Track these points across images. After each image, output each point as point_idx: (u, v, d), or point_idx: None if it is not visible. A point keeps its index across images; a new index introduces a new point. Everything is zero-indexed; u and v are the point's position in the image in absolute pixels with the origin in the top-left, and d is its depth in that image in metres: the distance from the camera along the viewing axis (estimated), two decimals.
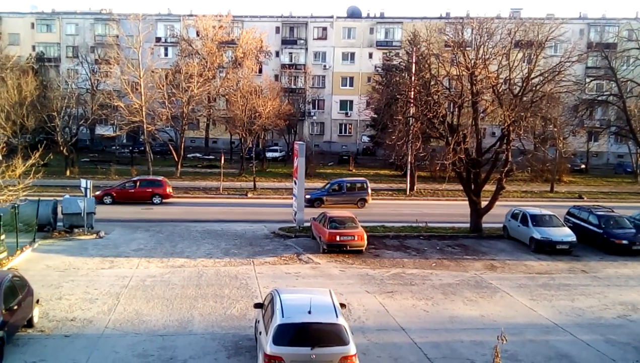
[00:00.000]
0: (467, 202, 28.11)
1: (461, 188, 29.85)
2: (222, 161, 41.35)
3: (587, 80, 54.06)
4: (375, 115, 54.01)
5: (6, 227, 19.96)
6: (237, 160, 54.73)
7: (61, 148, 44.62)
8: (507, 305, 17.11)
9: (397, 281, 19.29)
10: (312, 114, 69.63)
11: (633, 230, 24.73)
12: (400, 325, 15.20)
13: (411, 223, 28.55)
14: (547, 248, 23.66)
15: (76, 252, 21.96)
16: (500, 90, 25.89)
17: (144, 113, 41.66)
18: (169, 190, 34.91)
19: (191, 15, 68.12)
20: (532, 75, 25.63)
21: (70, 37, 71.48)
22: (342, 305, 12.76)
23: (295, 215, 27.04)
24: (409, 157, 37.89)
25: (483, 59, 25.52)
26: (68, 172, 44.80)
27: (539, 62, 26.26)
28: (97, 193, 32.18)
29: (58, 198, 26.71)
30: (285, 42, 70.97)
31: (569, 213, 27.84)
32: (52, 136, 44.78)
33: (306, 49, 70.97)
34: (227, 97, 54.94)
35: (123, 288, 17.57)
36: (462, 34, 27.37)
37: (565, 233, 24.19)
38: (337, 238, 22.60)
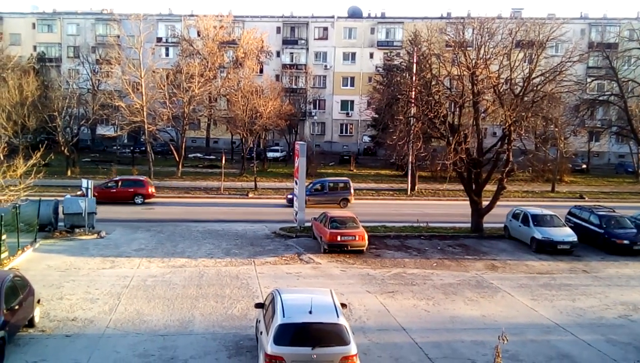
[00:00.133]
0: (468, 202, 28.11)
1: (462, 188, 29.85)
2: (223, 161, 41.37)
3: (588, 80, 54.01)
4: (376, 115, 54.00)
5: (7, 227, 19.95)
6: (238, 160, 54.76)
7: (62, 148, 44.65)
8: (508, 305, 17.10)
9: (398, 281, 19.29)
10: (313, 114, 69.64)
11: (634, 230, 24.71)
12: (401, 325, 15.19)
13: (412, 223, 28.55)
14: (548, 248, 23.65)
15: (77, 252, 21.98)
16: (501, 90, 25.88)
17: (145, 113, 41.69)
18: (151, 190, 34.83)
19: (192, 16, 68.16)
20: (533, 75, 25.62)
21: (72, 37, 71.50)
22: (343, 305, 12.76)
23: (296, 215, 27.06)
24: (410, 157, 37.85)
25: (484, 58, 25.51)
26: (69, 172, 44.84)
27: (540, 62, 26.26)
28: (79, 193, 31.97)
29: (59, 198, 26.73)
30: (286, 42, 70.98)
31: (570, 213, 27.82)
32: (53, 136, 44.81)
33: (307, 49, 70.98)
34: (228, 97, 54.94)
35: (124, 288, 17.59)
36: (463, 34, 27.37)
37: (566, 233, 24.18)
38: (338, 238, 22.60)
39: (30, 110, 42.40)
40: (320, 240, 23.68)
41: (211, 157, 60.20)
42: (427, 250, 24.02)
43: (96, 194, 32.02)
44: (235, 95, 50.19)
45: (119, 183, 34.48)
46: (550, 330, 15.18)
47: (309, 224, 26.19)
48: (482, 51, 25.54)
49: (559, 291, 18.65)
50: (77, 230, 24.86)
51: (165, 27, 70.47)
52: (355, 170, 54.12)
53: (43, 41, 72.08)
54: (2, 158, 21.48)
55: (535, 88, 25.86)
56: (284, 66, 69.99)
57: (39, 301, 14.79)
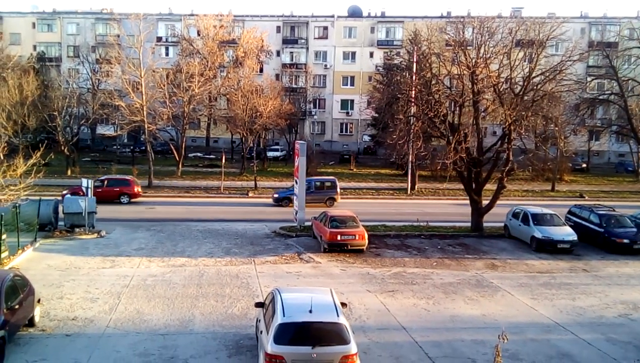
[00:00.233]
0: (468, 201, 28.12)
1: (462, 187, 29.85)
2: (223, 160, 41.37)
3: (588, 79, 54.04)
4: (376, 115, 54.00)
5: (7, 227, 19.96)
6: (238, 159, 54.77)
7: (62, 147, 44.64)
8: (508, 304, 17.10)
9: (398, 280, 19.29)
10: (313, 113, 69.64)
11: (634, 229, 24.71)
12: (401, 324, 15.20)
13: (412, 222, 28.54)
14: (548, 247, 23.65)
15: (77, 251, 21.98)
16: (501, 90, 25.87)
17: (145, 112, 41.63)
18: (137, 189, 34.70)
19: (192, 15, 68.12)
20: (533, 74, 25.61)
21: (71, 36, 71.49)
22: (343, 304, 12.77)
23: (296, 214, 27.06)
24: (410, 156, 37.87)
25: (484, 58, 25.50)
26: (69, 172, 44.85)
27: (540, 61, 26.25)
28: (64, 192, 31.87)
29: (59, 198, 26.74)
30: (286, 41, 70.97)
31: (570, 212, 27.83)
32: (53, 136, 44.81)
33: (307, 49, 70.97)
34: (228, 96, 54.95)
35: (124, 287, 17.59)
36: (463, 33, 27.36)
37: (566, 233, 24.18)
38: (338, 237, 22.61)
39: (30, 109, 42.40)
40: (320, 240, 23.68)
41: (211, 156, 60.22)
42: (427, 249, 24.03)
43: (80, 194, 31.92)
44: (235, 94, 50.20)
45: (105, 183, 34.18)
46: (550, 329, 15.18)
47: (309, 223, 26.19)
48: (482, 50, 25.54)
49: (559, 290, 18.65)
50: (77, 229, 24.86)
51: (165, 26, 70.48)
52: (355, 170, 54.13)
53: (43, 41, 72.08)
54: (2, 157, 21.51)
55: (535, 87, 25.86)
56: (284, 65, 69.99)
57: (39, 300, 14.79)
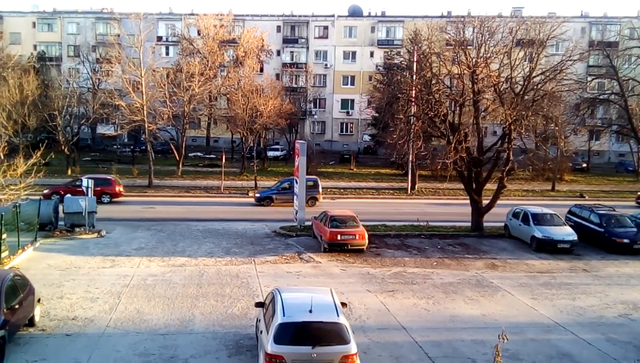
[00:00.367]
0: (468, 201, 28.11)
1: (462, 187, 29.85)
2: (224, 160, 41.36)
3: (589, 78, 54.06)
4: (377, 114, 53.98)
5: (7, 226, 19.96)
6: (238, 159, 54.78)
7: (62, 147, 44.64)
8: (508, 304, 17.10)
9: (398, 280, 19.29)
10: (313, 112, 69.66)
11: (634, 229, 24.70)
12: (401, 324, 15.20)
13: (412, 222, 28.54)
14: (549, 247, 23.64)
15: (77, 251, 21.98)
16: (501, 89, 25.86)
17: (145, 112, 41.63)
18: (118, 189, 34.43)
19: (192, 14, 68.09)
20: (534, 74, 25.60)
21: (72, 36, 71.50)
22: (343, 304, 12.77)
23: (296, 214, 27.06)
24: (410, 156, 37.88)
25: (484, 57, 25.49)
26: (69, 171, 44.83)
27: (540, 61, 26.25)
28: (45, 191, 31.65)
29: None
30: (286, 41, 70.99)
31: (570, 212, 27.82)
32: (53, 135, 44.81)
33: (307, 48, 70.97)
34: (228, 96, 54.93)
35: (124, 287, 17.59)
36: (464, 32, 27.35)
37: (566, 232, 24.17)
38: (338, 237, 22.60)
39: (31, 109, 42.40)
40: (320, 239, 23.68)
41: (211, 156, 60.22)
42: (427, 249, 24.02)
43: (62, 192, 31.69)
44: (236, 94, 50.21)
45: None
46: (551, 329, 15.17)
47: (309, 223, 26.20)
48: (482, 50, 25.53)
49: (559, 290, 18.65)
50: (77, 229, 24.85)
51: (166, 26, 70.49)
52: (355, 169, 54.13)
53: (43, 40, 72.09)
54: (2, 157, 21.51)
55: (535, 87, 25.84)
56: (284, 65, 70.00)
57: (39, 300, 14.79)
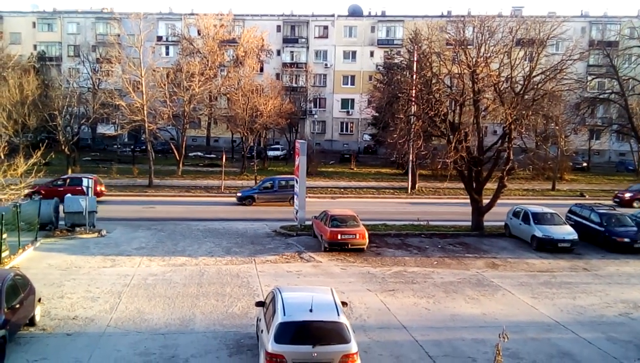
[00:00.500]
0: (468, 201, 28.10)
1: (463, 186, 29.84)
2: (224, 160, 41.36)
3: (589, 78, 54.14)
4: (377, 114, 53.98)
5: (8, 226, 19.97)
6: (238, 158, 54.80)
7: (63, 147, 44.62)
8: (509, 303, 17.10)
9: (399, 279, 19.29)
10: (314, 112, 69.66)
11: (635, 228, 24.68)
12: (401, 323, 15.20)
13: (412, 221, 28.54)
14: (549, 246, 23.64)
15: (78, 250, 21.98)
16: (501, 89, 25.85)
17: (145, 112, 41.63)
18: (100, 188, 33.93)
19: (192, 14, 68.10)
20: (534, 74, 25.59)
21: (72, 36, 71.51)
22: (344, 304, 12.76)
23: (296, 213, 27.07)
24: (411, 156, 37.88)
25: (484, 57, 25.48)
26: (70, 171, 44.74)
27: (540, 60, 26.23)
28: (27, 191, 31.36)
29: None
30: (286, 40, 71.00)
31: (570, 211, 27.81)
32: (53, 135, 44.79)
33: (307, 48, 70.98)
34: (228, 95, 54.97)
35: (125, 286, 17.60)
36: (464, 32, 27.35)
37: (566, 232, 24.17)
38: (339, 236, 22.60)
39: (31, 109, 42.40)
40: (320, 239, 23.68)
41: (212, 155, 60.23)
42: (427, 248, 24.02)
43: (43, 192, 31.52)
44: (236, 93, 50.25)
45: (67, 182, 33.63)
46: (551, 328, 15.18)
47: (309, 223, 26.20)
48: (482, 49, 25.52)
49: (560, 289, 18.65)
50: (77, 228, 24.85)
51: (166, 25, 70.50)
52: (355, 169, 54.12)
53: (43, 40, 72.11)
54: (2, 157, 21.51)
55: (535, 86, 25.84)
56: (284, 65, 70.03)
57: (39, 300, 14.79)
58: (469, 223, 27.66)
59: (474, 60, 25.34)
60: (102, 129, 60.31)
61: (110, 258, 20.93)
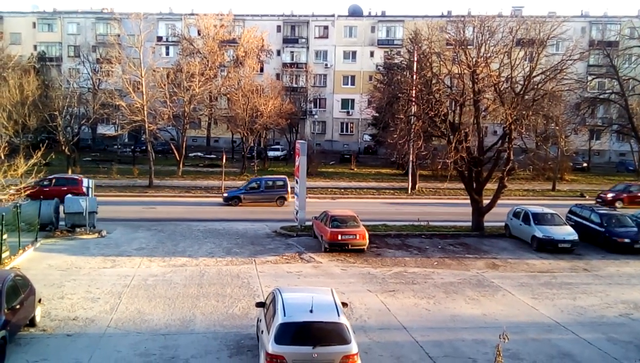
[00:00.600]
0: (468, 201, 28.09)
1: (463, 187, 29.83)
2: (224, 160, 41.35)
3: (589, 78, 54.08)
4: (377, 114, 54.02)
5: (8, 227, 19.96)
6: (238, 159, 54.78)
7: (63, 147, 44.64)
8: (509, 304, 17.10)
9: (399, 280, 19.29)
10: (314, 112, 69.66)
11: (635, 229, 24.67)
12: (402, 323, 15.20)
13: (413, 222, 28.53)
14: (549, 247, 23.64)
15: (78, 251, 21.99)
16: (501, 89, 25.85)
17: (145, 112, 41.63)
18: (84, 188, 34.14)
19: (192, 14, 68.11)
20: (534, 74, 25.59)
21: (72, 36, 71.54)
22: (344, 304, 12.76)
23: (296, 214, 27.06)
24: (411, 156, 37.87)
25: (484, 57, 25.48)
26: (70, 172, 44.74)
27: (540, 61, 26.23)
28: (11, 191, 31.08)
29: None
30: (286, 40, 71.00)
31: (570, 211, 27.80)
32: (53, 135, 44.81)
33: (307, 48, 70.98)
34: (228, 96, 54.99)
35: (125, 287, 17.60)
36: (464, 32, 27.34)
37: (567, 232, 24.16)
38: (339, 237, 22.60)
39: (31, 109, 42.42)
40: (321, 239, 23.68)
41: (212, 156, 60.24)
42: (427, 249, 24.02)
43: (28, 192, 31.28)
44: (236, 94, 50.27)
45: (52, 182, 33.31)
46: (551, 329, 15.17)
47: (309, 223, 26.20)
48: (482, 49, 25.52)
49: (560, 290, 18.65)
50: (78, 229, 24.86)
51: (166, 26, 70.52)
52: (355, 169, 54.12)
53: (43, 40, 72.13)
54: (3, 157, 21.50)
55: (535, 86, 25.83)
56: (285, 65, 70.02)
57: (40, 300, 14.78)
58: (469, 224, 27.65)
59: (474, 60, 25.34)
60: (102, 130, 60.32)
61: (110, 259, 20.93)
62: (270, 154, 60.36)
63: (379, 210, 34.01)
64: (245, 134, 48.15)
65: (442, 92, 26.92)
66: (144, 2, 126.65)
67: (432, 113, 25.10)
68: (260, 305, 13.21)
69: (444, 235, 26.38)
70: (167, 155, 55.21)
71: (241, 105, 47.32)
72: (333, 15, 71.27)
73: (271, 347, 10.72)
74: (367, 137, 68.31)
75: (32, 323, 14.06)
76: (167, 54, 67.46)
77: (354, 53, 70.73)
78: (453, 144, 24.39)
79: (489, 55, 25.64)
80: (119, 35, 56.84)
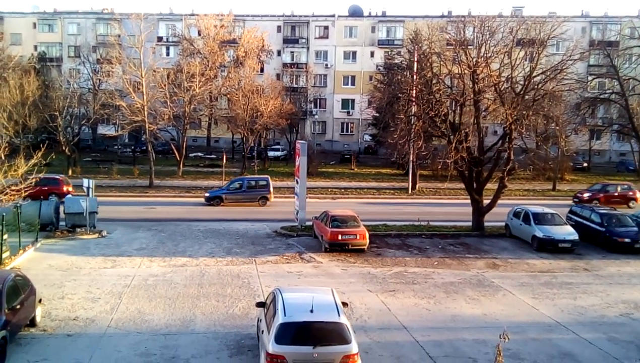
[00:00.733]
0: (469, 201, 28.09)
1: (463, 187, 29.84)
2: (224, 160, 41.40)
3: (589, 78, 54.10)
4: (377, 114, 53.98)
5: (9, 227, 19.98)
6: (239, 159, 54.79)
7: (63, 148, 44.68)
8: (510, 304, 17.09)
9: (399, 280, 19.29)
10: (314, 112, 69.65)
11: (635, 229, 24.67)
12: (402, 323, 15.19)
13: (413, 222, 28.53)
14: (550, 247, 23.63)
15: (78, 251, 22.00)
16: (502, 89, 25.85)
17: (145, 112, 41.65)
18: (67, 188, 33.56)
19: (193, 15, 68.15)
20: (534, 74, 25.59)
21: (72, 36, 71.58)
22: (344, 304, 12.76)
23: (297, 214, 27.07)
24: (411, 156, 37.85)
25: (485, 57, 25.47)
26: (70, 172, 44.81)
27: (541, 61, 26.24)
28: None
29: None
30: (286, 41, 71.00)
31: (571, 211, 27.81)
32: (54, 136, 44.85)
33: (308, 48, 70.98)
34: (228, 96, 55.00)
35: (125, 287, 17.60)
36: (464, 32, 27.33)
37: (567, 232, 24.16)
38: (339, 237, 22.60)
39: (31, 109, 42.45)
40: (321, 239, 23.68)
41: (212, 156, 60.24)
42: (428, 248, 24.02)
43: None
44: (236, 94, 50.29)
45: (34, 182, 33.43)
46: (552, 329, 15.17)
47: (310, 223, 26.20)
48: (482, 50, 25.51)
49: (560, 289, 18.64)
50: (78, 229, 24.88)
51: (166, 26, 70.53)
52: (356, 169, 54.13)
53: (44, 41, 72.16)
54: (3, 158, 21.49)
55: (536, 86, 25.83)
56: (285, 65, 70.03)
57: (40, 300, 14.78)
58: (470, 224, 27.65)
59: (474, 60, 25.34)
60: (102, 130, 60.34)
61: (110, 259, 20.93)
62: (271, 154, 60.38)
63: (379, 210, 34.01)
64: (246, 134, 48.16)
65: (443, 92, 26.91)
66: (144, 3, 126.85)
67: (433, 113, 25.11)
68: (260, 305, 13.21)
69: (444, 235, 26.39)
70: (168, 156, 55.23)
71: (241, 106, 47.33)
72: (333, 16, 71.28)
73: (271, 346, 10.72)
74: (367, 137, 68.31)
75: (32, 323, 14.06)
76: (168, 54, 67.49)
77: (354, 53, 70.73)
78: (453, 144, 24.38)
79: (489, 55, 25.63)
80: (119, 36, 56.83)
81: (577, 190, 43.37)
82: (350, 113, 70.98)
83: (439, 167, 34.67)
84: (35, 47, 70.43)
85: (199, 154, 62.02)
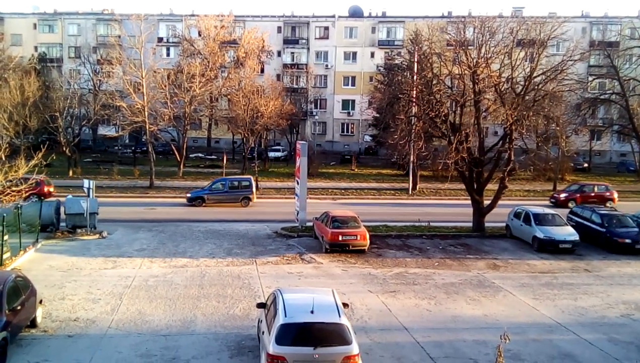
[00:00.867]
0: (469, 202, 28.09)
1: (464, 187, 29.83)
2: (225, 161, 41.40)
3: (590, 78, 54.05)
4: (378, 115, 53.90)
5: (9, 228, 19.96)
6: (239, 160, 54.79)
7: (64, 148, 44.67)
8: (510, 305, 17.09)
9: (400, 280, 19.29)
10: (314, 113, 69.65)
11: (636, 229, 24.65)
12: (403, 324, 15.19)
13: (414, 222, 28.54)
14: (550, 247, 23.63)
15: (79, 252, 22.00)
16: (502, 89, 25.85)
17: (146, 113, 41.65)
18: (48, 189, 33.48)
19: (193, 15, 68.19)
20: (535, 74, 25.60)
21: (73, 37, 71.63)
22: (345, 305, 12.76)
23: (297, 214, 27.07)
24: (411, 157, 37.83)
25: (485, 57, 25.47)
26: (71, 173, 44.86)
27: (541, 61, 26.24)
28: None
29: (61, 199, 26.72)
30: (287, 41, 71.01)
31: (571, 212, 27.81)
32: (54, 136, 44.85)
33: (308, 49, 71.00)
34: (229, 97, 55.02)
35: (126, 288, 17.60)
36: (464, 33, 27.36)
37: (568, 232, 24.16)
38: (340, 237, 22.60)
39: (32, 110, 42.47)
40: (321, 240, 23.68)
41: (212, 157, 60.25)
42: (428, 249, 24.02)
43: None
44: (237, 95, 50.30)
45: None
46: (552, 330, 15.17)
47: (310, 224, 26.20)
48: (483, 50, 25.51)
49: (561, 290, 18.64)
50: (78, 230, 24.88)
51: (166, 27, 70.56)
52: (356, 170, 54.13)
53: (44, 41, 72.19)
54: (3, 158, 21.50)
55: (536, 87, 25.83)
56: (285, 66, 70.03)
57: (41, 301, 14.79)
58: (470, 225, 27.65)
59: (474, 60, 25.34)
60: (103, 130, 60.35)
61: (111, 260, 20.94)
62: (271, 154, 60.38)
63: (380, 210, 34.00)
64: (246, 135, 48.16)
65: (443, 93, 26.92)
66: (145, 3, 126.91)
67: (433, 114, 25.10)
68: (261, 305, 13.22)
69: (444, 236, 26.38)
70: (168, 156, 55.23)
71: (242, 106, 47.34)
72: (333, 16, 71.29)
73: (272, 347, 10.72)
74: (367, 138, 68.27)
75: (33, 324, 14.06)
76: (168, 55, 67.52)
77: (355, 54, 70.74)
78: (454, 145, 24.39)
79: (489, 55, 25.63)
80: (119, 36, 56.89)
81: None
82: (351, 114, 70.98)
83: (440, 167, 34.55)
84: (36, 48, 70.46)
85: (200, 155, 62.04)
